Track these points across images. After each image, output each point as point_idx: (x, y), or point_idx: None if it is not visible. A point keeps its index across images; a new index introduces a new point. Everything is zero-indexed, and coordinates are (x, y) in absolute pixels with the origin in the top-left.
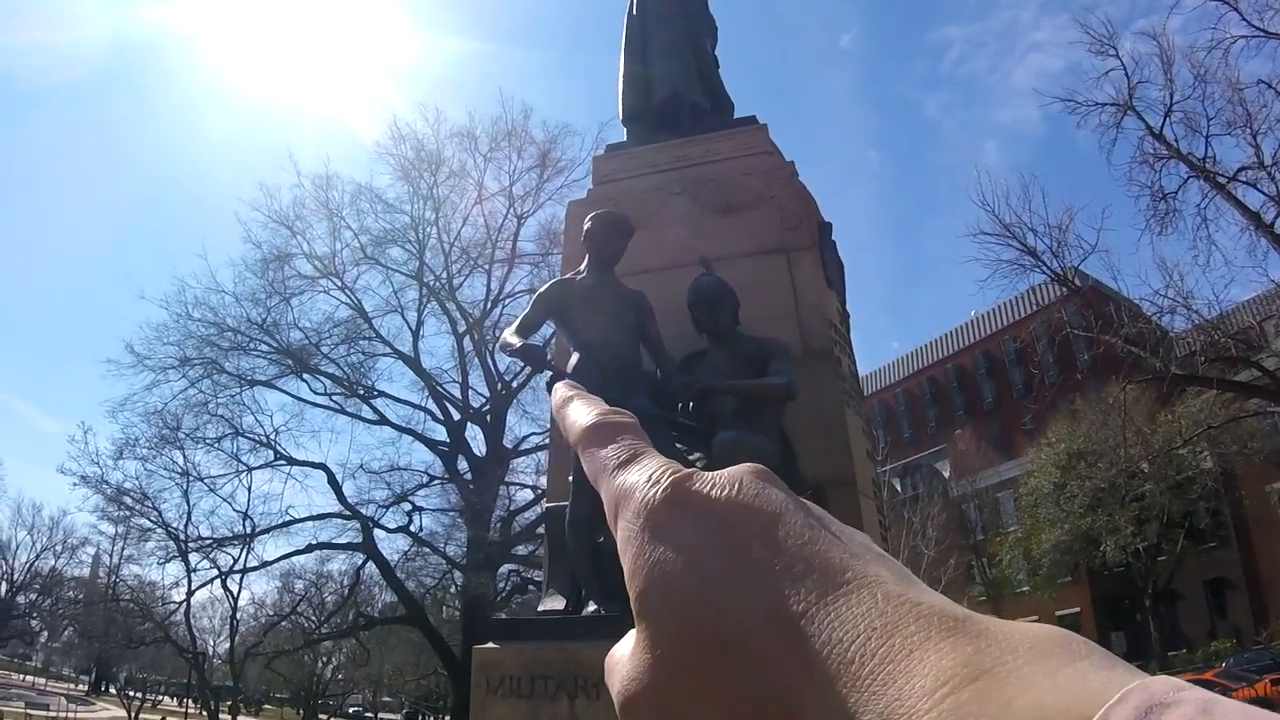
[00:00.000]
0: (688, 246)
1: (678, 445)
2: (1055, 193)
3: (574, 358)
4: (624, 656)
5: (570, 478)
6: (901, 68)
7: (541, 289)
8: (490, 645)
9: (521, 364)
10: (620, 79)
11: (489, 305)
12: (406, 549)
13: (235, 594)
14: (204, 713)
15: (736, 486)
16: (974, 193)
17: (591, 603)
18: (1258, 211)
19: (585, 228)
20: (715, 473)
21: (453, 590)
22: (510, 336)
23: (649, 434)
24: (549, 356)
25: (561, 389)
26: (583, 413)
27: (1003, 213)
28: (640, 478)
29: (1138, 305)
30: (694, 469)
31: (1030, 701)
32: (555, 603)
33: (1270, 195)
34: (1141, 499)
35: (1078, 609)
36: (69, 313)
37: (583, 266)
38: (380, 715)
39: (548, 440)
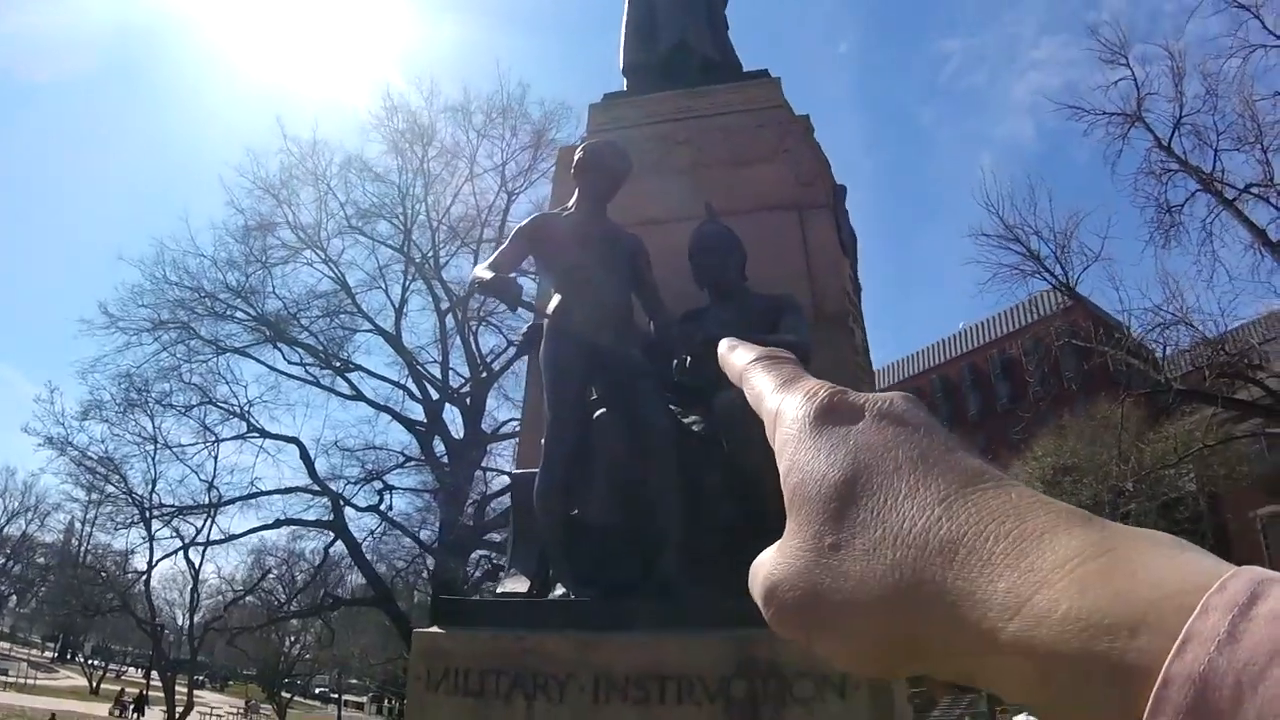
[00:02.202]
0: (690, 199)
1: (671, 406)
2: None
3: (555, 299)
4: (770, 552)
5: (543, 440)
6: (899, 77)
7: (521, 223)
8: (434, 630)
9: (494, 302)
10: (623, 26)
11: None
12: (375, 528)
13: (198, 567)
14: (163, 685)
15: (888, 402)
16: (978, 193)
17: (560, 585)
18: (1264, 229)
19: (576, 158)
20: (868, 393)
21: (424, 575)
22: (481, 271)
23: (638, 387)
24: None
25: (728, 341)
26: (744, 354)
27: (1007, 214)
28: (800, 394)
29: (1124, 326)
30: (848, 388)
31: (1152, 574)
32: (517, 584)
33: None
34: (1127, 517)
35: None
36: (61, 281)
37: (570, 202)
38: (345, 697)
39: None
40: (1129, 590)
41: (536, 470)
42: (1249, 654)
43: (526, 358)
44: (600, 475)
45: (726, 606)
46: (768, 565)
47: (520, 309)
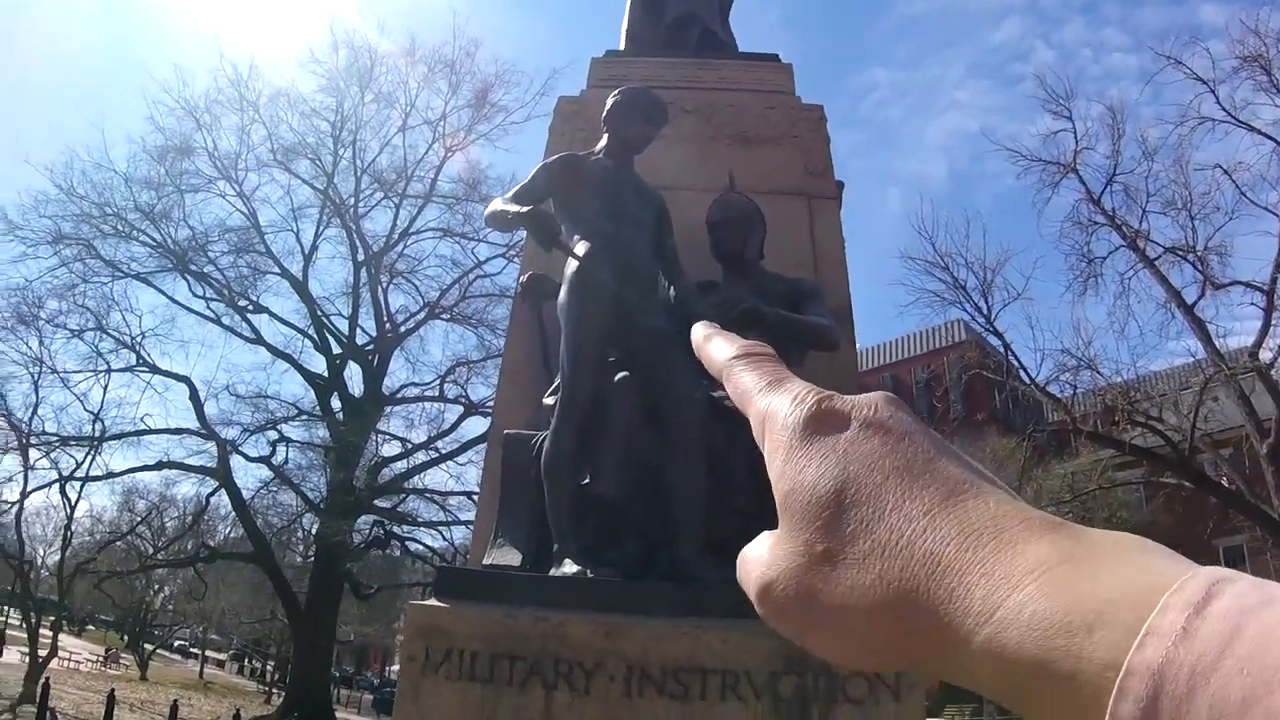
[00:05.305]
0: (696, 169)
1: (703, 381)
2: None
3: (581, 243)
4: (761, 550)
5: (552, 398)
6: (825, 100)
7: (547, 160)
8: (434, 604)
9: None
10: None
11: (393, 239)
12: (266, 481)
13: (73, 502)
14: (24, 625)
15: (874, 407)
16: (912, 218)
17: (569, 562)
18: (1180, 291)
19: (610, 103)
20: (854, 396)
21: (300, 534)
22: (506, 204)
23: (667, 355)
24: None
25: (701, 328)
26: (725, 347)
27: (940, 241)
28: (787, 398)
29: (1022, 366)
30: (834, 392)
31: (1113, 576)
32: (507, 557)
33: (1200, 274)
34: None
35: None
36: None
37: (598, 148)
38: (206, 653)
39: (431, 391)
40: (1090, 592)
41: (532, 431)
42: (1202, 648)
43: (512, 306)
44: (613, 443)
45: None
46: (761, 563)
47: (554, 250)
